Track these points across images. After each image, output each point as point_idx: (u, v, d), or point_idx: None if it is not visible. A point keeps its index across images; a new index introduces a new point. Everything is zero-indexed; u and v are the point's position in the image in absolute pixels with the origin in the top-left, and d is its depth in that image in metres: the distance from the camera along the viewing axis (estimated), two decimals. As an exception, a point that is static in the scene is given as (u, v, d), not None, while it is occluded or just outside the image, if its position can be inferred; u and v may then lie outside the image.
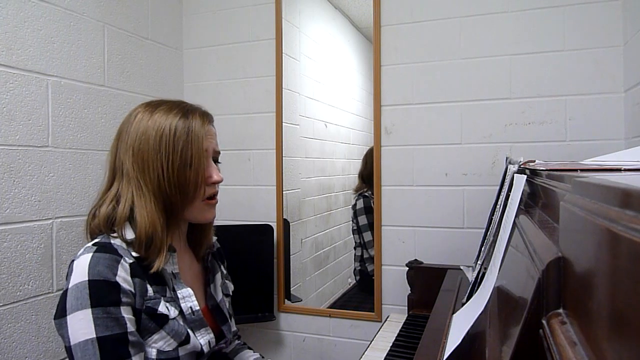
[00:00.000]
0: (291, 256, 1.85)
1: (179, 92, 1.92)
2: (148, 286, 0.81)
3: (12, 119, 1.23)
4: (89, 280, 0.75)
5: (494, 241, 0.85)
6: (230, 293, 1.06)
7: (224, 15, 1.88)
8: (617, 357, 0.24)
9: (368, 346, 1.28)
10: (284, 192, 1.81)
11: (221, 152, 0.96)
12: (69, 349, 0.74)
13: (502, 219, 0.82)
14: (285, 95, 1.81)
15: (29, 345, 1.26)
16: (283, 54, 1.80)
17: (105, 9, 1.55)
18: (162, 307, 0.81)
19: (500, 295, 0.63)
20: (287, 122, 1.82)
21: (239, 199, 1.85)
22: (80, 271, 0.76)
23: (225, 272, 1.08)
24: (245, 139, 1.85)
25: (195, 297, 0.89)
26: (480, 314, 0.68)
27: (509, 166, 0.90)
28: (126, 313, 0.77)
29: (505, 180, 0.88)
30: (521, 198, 0.71)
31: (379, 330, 1.41)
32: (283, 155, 1.81)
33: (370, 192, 1.77)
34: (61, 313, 0.75)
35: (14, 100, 1.23)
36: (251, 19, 1.84)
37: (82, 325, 0.73)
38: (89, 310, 0.74)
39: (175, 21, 1.91)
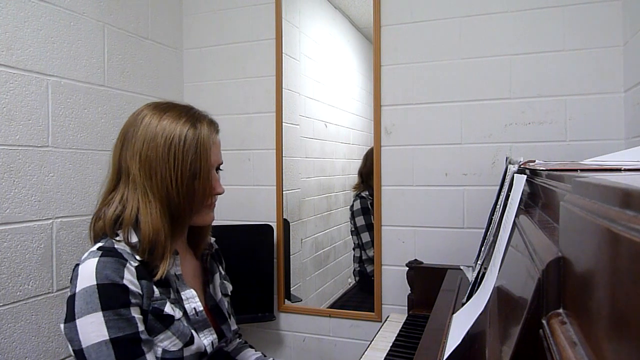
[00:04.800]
0: (291, 256, 1.85)
1: (179, 92, 1.92)
2: (154, 287, 0.82)
3: (12, 119, 1.23)
4: (97, 284, 0.75)
5: (494, 241, 0.85)
6: (229, 293, 1.08)
7: (224, 15, 1.88)
8: (617, 357, 0.24)
9: (368, 346, 1.28)
10: (284, 192, 1.81)
11: (221, 152, 0.97)
12: (79, 352, 0.74)
13: (502, 219, 0.82)
14: (285, 95, 1.81)
15: (29, 345, 1.26)
16: (283, 54, 1.80)
17: (105, 9, 1.55)
18: (168, 308, 0.83)
19: (500, 295, 0.63)
20: (287, 122, 1.82)
21: (239, 199, 1.85)
22: (88, 275, 0.76)
23: (223, 272, 1.09)
24: (245, 139, 1.85)
25: None
26: (480, 314, 0.68)
27: (509, 166, 0.90)
28: (136, 313, 0.78)
29: (505, 180, 0.88)
30: (521, 198, 0.71)
31: (379, 330, 1.41)
32: (283, 155, 1.80)
33: (367, 193, 1.77)
34: (70, 317, 0.76)
35: (14, 100, 1.23)
36: (251, 19, 1.84)
37: (93, 328, 0.74)
38: (100, 313, 0.74)
39: (175, 21, 1.91)
